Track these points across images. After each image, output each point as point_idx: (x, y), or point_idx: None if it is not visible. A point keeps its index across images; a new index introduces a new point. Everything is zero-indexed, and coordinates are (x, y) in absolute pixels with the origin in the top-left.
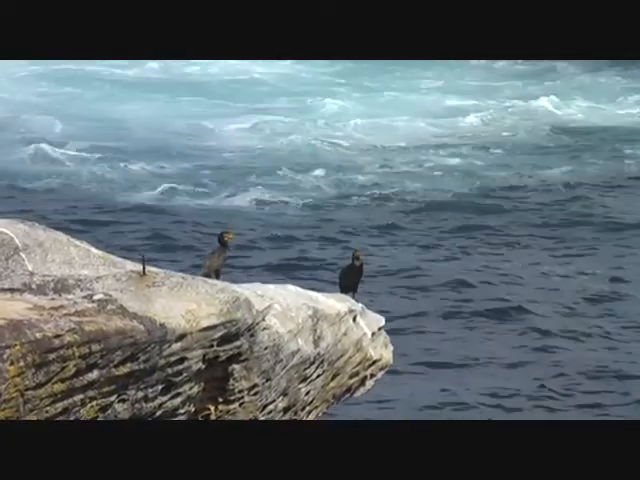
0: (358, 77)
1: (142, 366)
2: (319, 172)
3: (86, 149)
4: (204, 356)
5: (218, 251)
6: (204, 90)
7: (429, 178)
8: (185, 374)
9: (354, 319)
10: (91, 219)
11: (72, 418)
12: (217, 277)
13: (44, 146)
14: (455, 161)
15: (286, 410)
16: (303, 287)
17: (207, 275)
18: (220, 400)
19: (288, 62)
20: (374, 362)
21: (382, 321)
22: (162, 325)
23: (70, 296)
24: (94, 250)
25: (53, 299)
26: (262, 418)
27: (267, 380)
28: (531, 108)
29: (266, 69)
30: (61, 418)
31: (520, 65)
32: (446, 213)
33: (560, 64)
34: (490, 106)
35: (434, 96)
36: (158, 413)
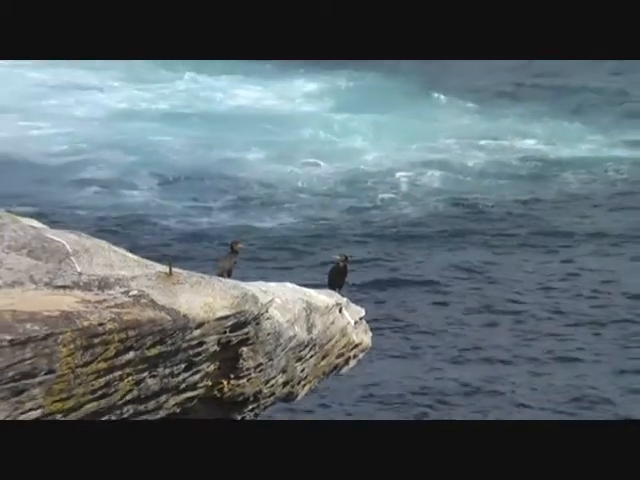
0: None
1: (169, 348)
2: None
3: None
4: (219, 340)
5: (229, 256)
6: (233, 124)
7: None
8: (203, 355)
9: (340, 310)
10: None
11: (112, 390)
12: (229, 276)
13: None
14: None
15: (285, 384)
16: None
17: (221, 275)
18: (232, 376)
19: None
20: (356, 345)
21: (362, 312)
22: (185, 315)
23: (111, 292)
24: (130, 255)
25: (97, 294)
26: (266, 391)
27: (270, 360)
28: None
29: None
30: (103, 391)
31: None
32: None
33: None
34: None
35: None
36: (182, 386)
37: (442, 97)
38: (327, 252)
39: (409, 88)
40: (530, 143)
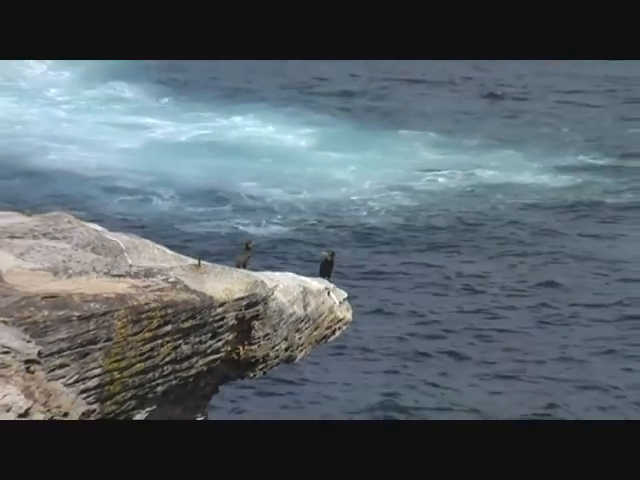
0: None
1: (198, 322)
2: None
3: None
4: (236, 316)
5: (244, 252)
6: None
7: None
8: (224, 327)
9: (328, 293)
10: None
11: (155, 354)
12: (244, 268)
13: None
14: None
15: (286, 349)
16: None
17: (237, 266)
18: (246, 343)
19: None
20: (340, 320)
21: (345, 294)
22: (210, 297)
23: (154, 279)
24: (168, 251)
25: (144, 281)
26: (272, 354)
27: (275, 331)
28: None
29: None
30: (149, 354)
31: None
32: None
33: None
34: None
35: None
36: (208, 351)
37: (408, 133)
38: (313, 250)
39: (381, 129)
40: (480, 170)
